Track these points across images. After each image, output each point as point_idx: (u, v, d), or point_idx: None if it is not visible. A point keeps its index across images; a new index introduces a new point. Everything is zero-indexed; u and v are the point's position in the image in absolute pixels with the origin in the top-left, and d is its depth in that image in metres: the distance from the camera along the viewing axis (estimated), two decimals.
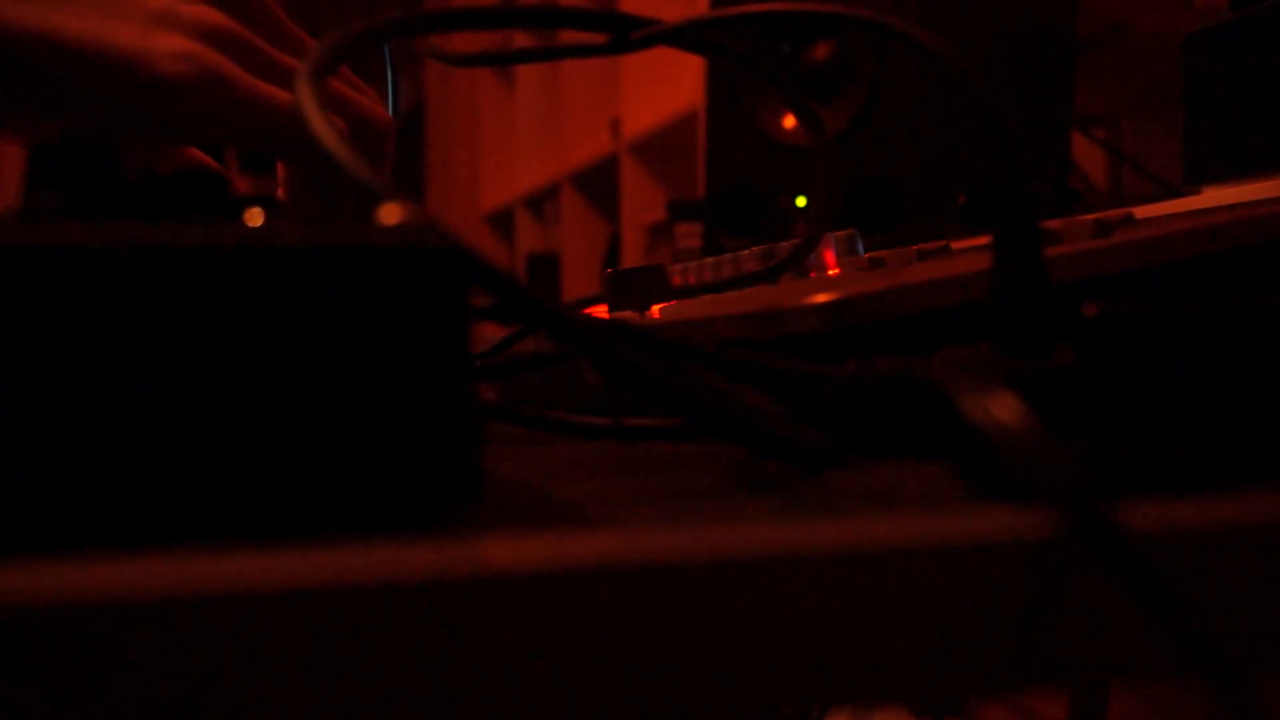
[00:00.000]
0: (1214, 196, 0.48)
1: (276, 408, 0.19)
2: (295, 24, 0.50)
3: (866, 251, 0.52)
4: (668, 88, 2.35)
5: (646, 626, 0.18)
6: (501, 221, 3.63)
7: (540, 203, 3.35)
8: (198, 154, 0.51)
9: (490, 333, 0.54)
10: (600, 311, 0.52)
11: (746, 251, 0.54)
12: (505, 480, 0.30)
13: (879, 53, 1.10)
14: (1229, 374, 0.25)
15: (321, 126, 0.27)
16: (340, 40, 0.32)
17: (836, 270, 0.53)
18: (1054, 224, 0.42)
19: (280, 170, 0.49)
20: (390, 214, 0.21)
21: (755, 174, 1.19)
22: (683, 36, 0.40)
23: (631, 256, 2.49)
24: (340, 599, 0.16)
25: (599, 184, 2.83)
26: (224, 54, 0.41)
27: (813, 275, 0.53)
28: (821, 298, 0.34)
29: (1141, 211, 0.46)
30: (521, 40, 3.03)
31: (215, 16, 0.42)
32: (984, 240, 0.49)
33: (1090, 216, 0.42)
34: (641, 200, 2.52)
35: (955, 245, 0.49)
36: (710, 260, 0.56)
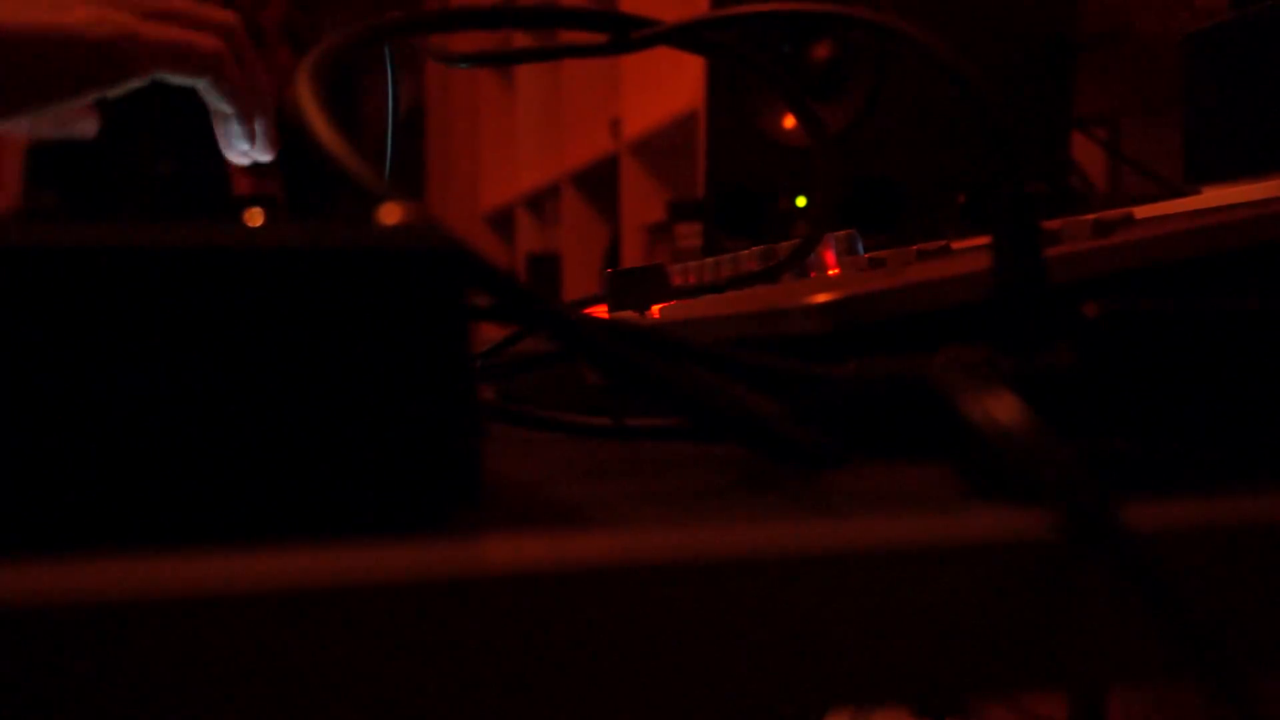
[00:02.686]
0: (1214, 196, 0.48)
1: (276, 408, 0.19)
2: (296, 24, 0.54)
3: (866, 251, 0.52)
4: (668, 88, 2.35)
5: (646, 626, 0.18)
6: (501, 221, 3.63)
7: (540, 203, 3.35)
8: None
9: (490, 333, 0.54)
10: (600, 311, 0.52)
11: (746, 251, 0.54)
12: (505, 480, 0.30)
13: (879, 53, 1.10)
14: (1230, 374, 0.25)
15: (322, 127, 0.27)
16: (340, 40, 0.32)
17: (836, 270, 0.53)
18: (1054, 224, 0.42)
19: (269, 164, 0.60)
20: (390, 214, 0.21)
21: (755, 174, 1.19)
22: (683, 36, 0.40)
23: (631, 256, 2.49)
24: (340, 599, 0.16)
25: (599, 184, 2.83)
26: (122, 11, 0.56)
27: (813, 275, 0.53)
28: (821, 298, 0.34)
29: (1141, 211, 0.46)
30: (521, 40, 3.03)
31: None
32: (984, 240, 0.49)
33: (1090, 216, 0.42)
34: (641, 200, 2.51)
35: (955, 245, 0.49)
36: (710, 260, 0.56)
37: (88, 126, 0.64)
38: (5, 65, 0.54)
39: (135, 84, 0.58)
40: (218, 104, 0.60)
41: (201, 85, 0.59)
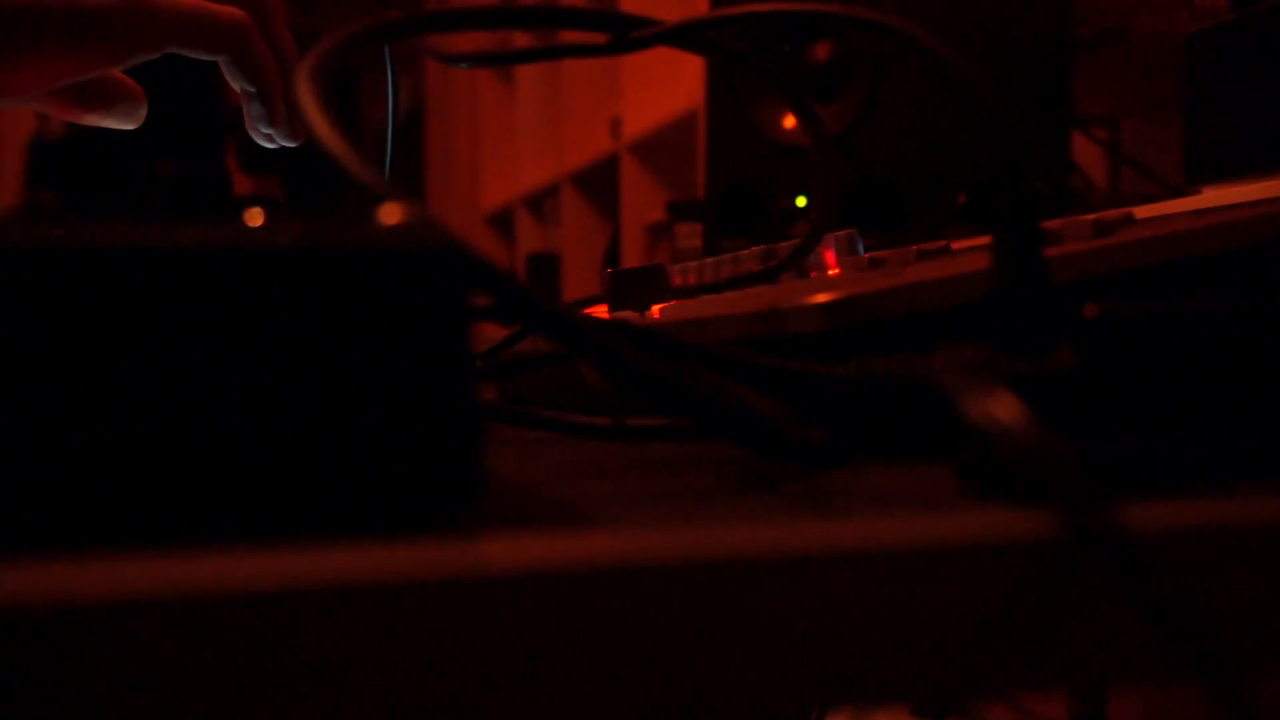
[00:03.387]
0: (1214, 196, 0.48)
1: (276, 408, 0.19)
2: (296, 24, 0.52)
3: (866, 251, 0.52)
4: (668, 88, 2.35)
5: (646, 626, 0.18)
6: (501, 221, 3.63)
7: (540, 203, 3.35)
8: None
9: (490, 333, 0.54)
10: (600, 311, 0.52)
11: (746, 251, 0.54)
12: (505, 480, 0.30)
13: (879, 53, 1.10)
14: (1229, 374, 0.25)
15: (322, 126, 0.27)
16: (340, 40, 0.32)
17: (836, 270, 0.53)
18: (1054, 224, 0.42)
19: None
20: (390, 214, 0.21)
21: (755, 174, 1.19)
22: (683, 36, 0.40)
23: (631, 256, 2.49)
24: (341, 599, 0.16)
25: (599, 184, 2.83)
26: None
27: (813, 275, 0.53)
28: (821, 298, 0.34)
29: (1141, 211, 0.46)
30: (521, 40, 3.03)
31: None
32: (984, 240, 0.49)
33: (1090, 216, 0.42)
34: (641, 200, 2.51)
35: (955, 245, 0.49)
36: (710, 260, 0.56)
37: (135, 111, 0.57)
38: (4, 35, 0.49)
39: (146, 58, 0.53)
40: (239, 83, 0.55)
41: (221, 61, 0.54)
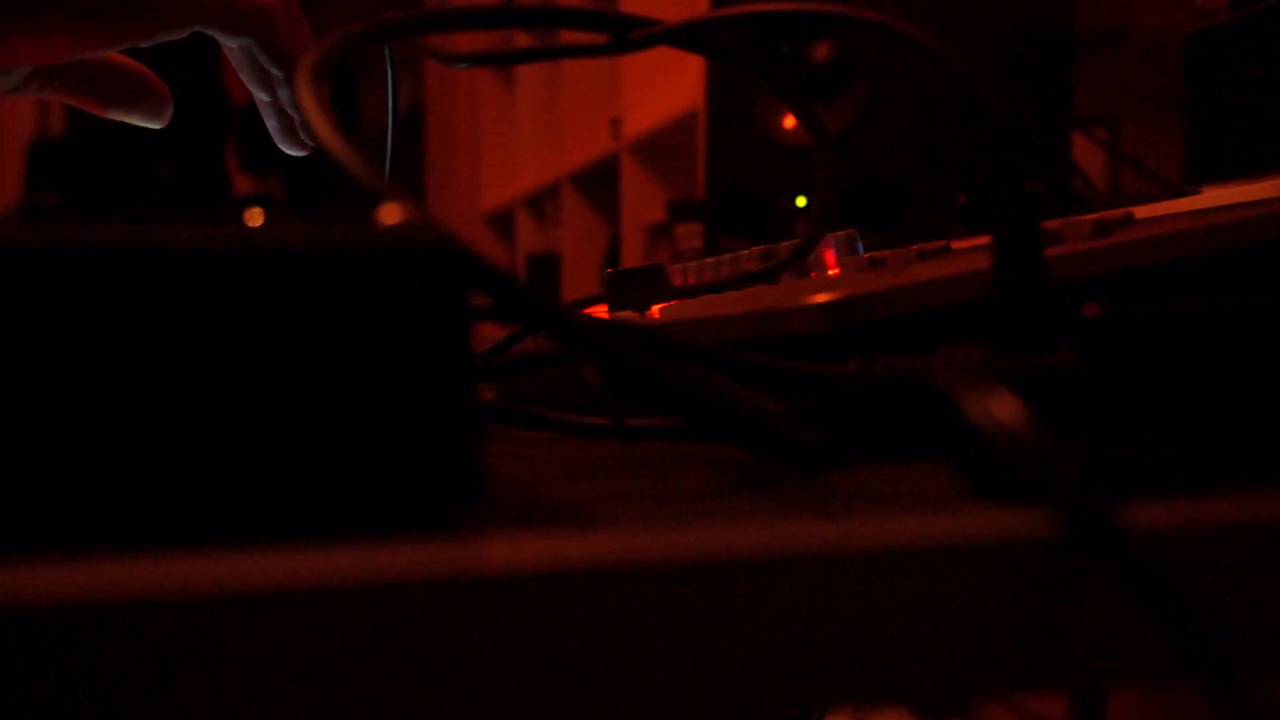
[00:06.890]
0: (1214, 196, 0.48)
1: (276, 408, 0.19)
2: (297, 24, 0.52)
3: (866, 251, 0.52)
4: (668, 88, 2.35)
5: (646, 627, 0.18)
6: (501, 221, 3.62)
7: (540, 203, 3.35)
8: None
9: (490, 333, 0.53)
10: (600, 311, 0.52)
11: (746, 251, 0.54)
12: (505, 480, 0.30)
13: (879, 53, 1.10)
14: (1229, 374, 0.25)
15: (323, 126, 0.27)
16: (340, 40, 0.32)
17: (836, 270, 0.53)
18: (1054, 224, 0.42)
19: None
20: (390, 214, 0.21)
21: (755, 174, 1.19)
22: (683, 36, 0.40)
23: (631, 256, 2.49)
24: (340, 599, 0.16)
25: (599, 184, 2.83)
26: None
27: (813, 275, 0.53)
28: (821, 298, 0.34)
29: (1141, 211, 0.46)
30: (521, 40, 3.03)
31: None
32: (984, 240, 0.49)
33: (1090, 216, 0.42)
34: (641, 200, 2.51)
35: (955, 245, 0.49)
36: (710, 260, 0.56)
37: (161, 108, 0.56)
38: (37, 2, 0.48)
39: (173, 35, 0.52)
40: (268, 66, 0.54)
41: (249, 44, 0.53)
